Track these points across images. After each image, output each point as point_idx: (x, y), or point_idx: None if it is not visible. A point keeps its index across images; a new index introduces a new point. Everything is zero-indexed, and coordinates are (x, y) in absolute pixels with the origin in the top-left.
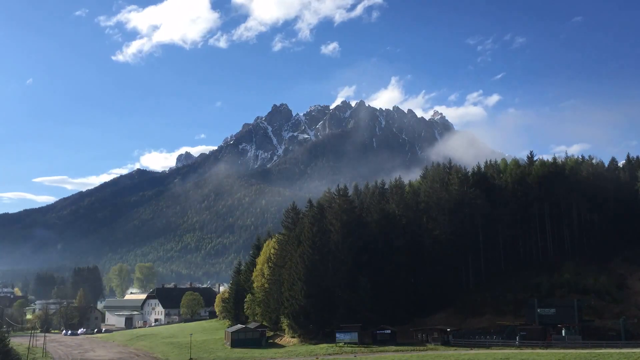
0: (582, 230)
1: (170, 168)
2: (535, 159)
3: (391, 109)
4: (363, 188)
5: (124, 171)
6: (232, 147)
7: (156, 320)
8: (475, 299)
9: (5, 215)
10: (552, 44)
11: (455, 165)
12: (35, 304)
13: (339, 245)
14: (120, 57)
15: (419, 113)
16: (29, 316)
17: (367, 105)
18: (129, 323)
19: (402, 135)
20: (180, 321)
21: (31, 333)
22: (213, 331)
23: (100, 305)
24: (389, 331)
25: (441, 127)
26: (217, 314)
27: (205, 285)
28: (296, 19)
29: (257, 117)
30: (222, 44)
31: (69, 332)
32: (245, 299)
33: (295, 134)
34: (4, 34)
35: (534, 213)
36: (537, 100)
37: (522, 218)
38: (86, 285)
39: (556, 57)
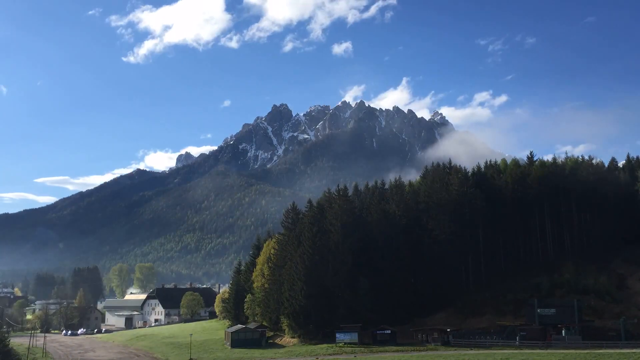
0: (582, 230)
1: (170, 168)
2: (535, 159)
3: (391, 109)
4: (363, 188)
5: (128, 171)
6: (232, 147)
7: (156, 320)
8: (475, 299)
9: (6, 215)
10: (562, 45)
11: (455, 166)
12: (35, 304)
13: (339, 245)
14: (131, 59)
15: (425, 113)
16: (29, 316)
17: (367, 105)
18: (129, 323)
19: (402, 135)
20: (180, 321)
21: (31, 333)
22: (213, 331)
23: (100, 306)
24: (389, 331)
25: (441, 127)
26: (217, 314)
27: (205, 286)
28: (309, 20)
29: (257, 118)
30: (234, 44)
31: (69, 332)
32: (245, 299)
33: (295, 134)
34: (13, 35)
35: (534, 213)
36: (544, 101)
37: (522, 218)
38: (86, 285)
39: (565, 57)
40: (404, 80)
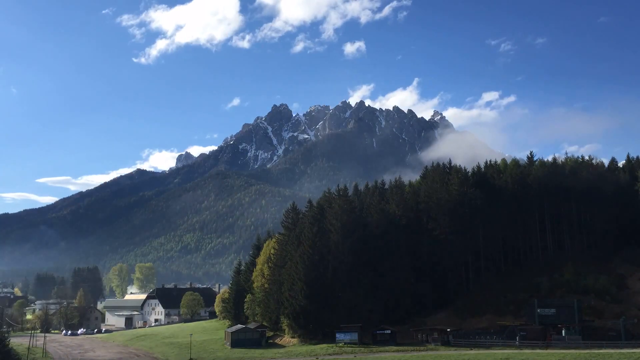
0: (582, 230)
1: (170, 168)
2: (535, 159)
3: (391, 109)
4: (363, 188)
5: (129, 171)
6: (232, 147)
7: (156, 320)
8: (475, 299)
9: (6, 215)
10: (573, 46)
11: (455, 166)
12: (35, 304)
13: (339, 245)
14: (142, 60)
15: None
16: (29, 316)
17: (367, 105)
18: (129, 323)
19: (402, 135)
20: (180, 321)
21: (31, 333)
22: (213, 331)
23: (100, 306)
24: (389, 331)
25: (442, 127)
26: (217, 314)
27: (205, 286)
28: (322, 20)
29: (257, 118)
30: (245, 44)
31: (69, 332)
32: (245, 299)
33: (295, 134)
34: (22, 35)
35: (533, 213)
36: (552, 101)
37: (522, 218)
38: (86, 285)
39: (575, 58)
40: (415, 80)
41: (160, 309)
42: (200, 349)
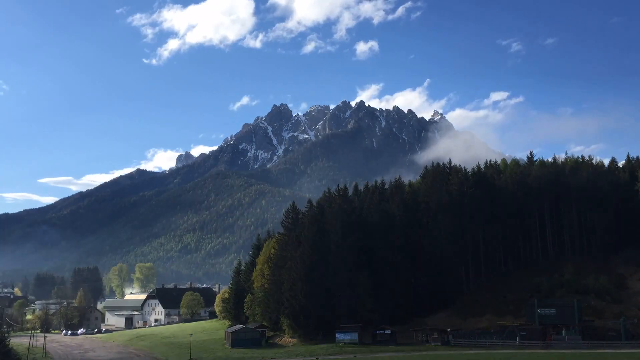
0: (582, 230)
1: (170, 168)
2: (535, 159)
3: (391, 109)
4: (363, 188)
5: (129, 171)
6: (232, 147)
7: (156, 320)
8: (475, 299)
9: (6, 215)
10: (583, 46)
11: (455, 166)
12: (35, 304)
13: (339, 245)
14: (153, 61)
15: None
16: (29, 316)
17: (367, 105)
18: (129, 323)
19: (402, 135)
20: (180, 321)
21: (31, 333)
22: (213, 331)
23: (100, 306)
24: (389, 331)
25: (442, 127)
26: (217, 314)
27: (205, 286)
28: (336, 20)
29: (257, 118)
30: (257, 43)
31: (69, 332)
32: (245, 299)
33: (295, 134)
34: (31, 34)
35: (534, 213)
36: (559, 101)
37: (522, 218)
38: (86, 285)
39: (584, 59)
40: (427, 82)
41: (160, 309)
42: (200, 349)
